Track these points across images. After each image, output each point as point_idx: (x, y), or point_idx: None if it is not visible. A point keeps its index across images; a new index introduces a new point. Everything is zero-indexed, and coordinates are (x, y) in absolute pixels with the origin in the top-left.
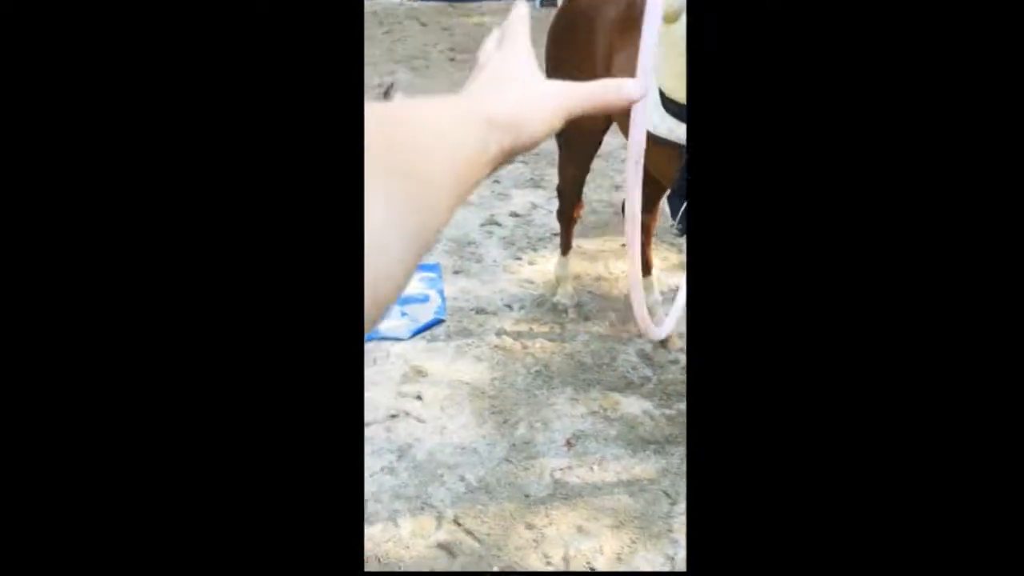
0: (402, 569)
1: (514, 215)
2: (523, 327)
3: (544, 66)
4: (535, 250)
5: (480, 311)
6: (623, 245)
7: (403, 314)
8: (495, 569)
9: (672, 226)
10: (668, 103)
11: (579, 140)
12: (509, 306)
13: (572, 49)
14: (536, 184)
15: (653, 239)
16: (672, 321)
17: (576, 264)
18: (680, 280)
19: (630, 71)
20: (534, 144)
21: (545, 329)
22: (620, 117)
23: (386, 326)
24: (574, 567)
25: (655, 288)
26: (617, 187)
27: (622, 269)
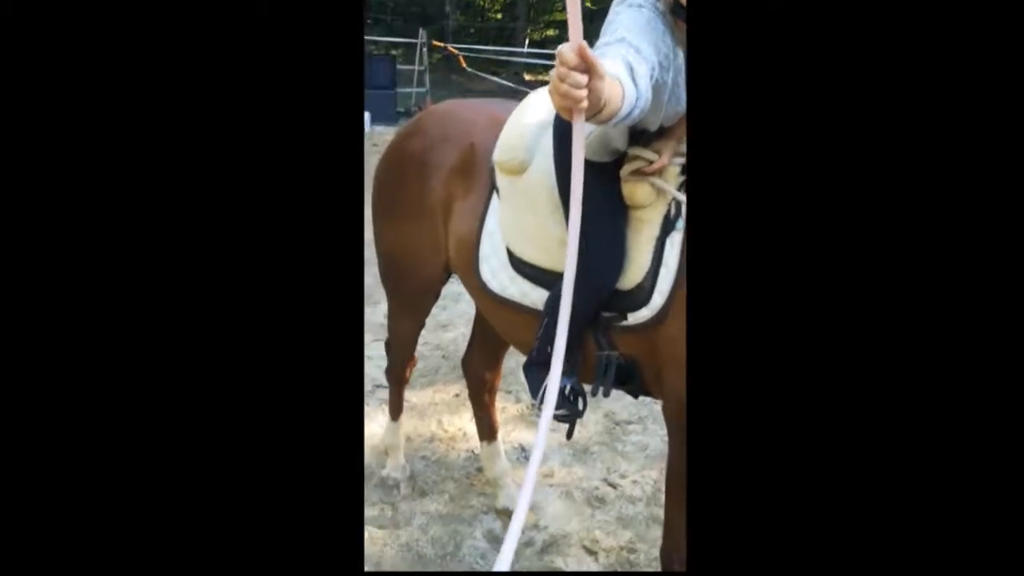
0: None
1: None
2: None
3: (372, 211)
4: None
5: None
6: (456, 395)
7: None
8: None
9: (533, 405)
10: (519, 264)
11: (414, 288)
12: None
13: (403, 196)
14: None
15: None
16: (526, 498)
17: (404, 424)
18: (525, 435)
19: (472, 223)
20: None
21: (374, 513)
22: (461, 266)
23: None
24: None
25: (502, 454)
26: (443, 325)
27: (458, 426)
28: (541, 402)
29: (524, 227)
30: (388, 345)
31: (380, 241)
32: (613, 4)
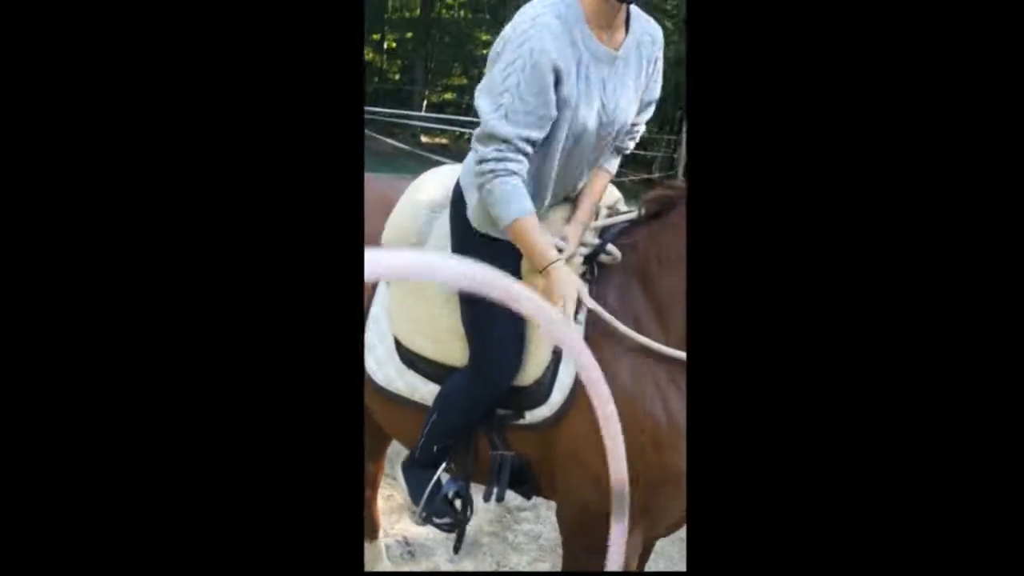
0: None
1: None
2: None
3: None
4: None
5: None
6: None
7: None
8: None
9: (415, 512)
10: (409, 356)
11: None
12: None
13: None
14: None
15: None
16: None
17: None
18: (411, 527)
19: None
20: None
21: None
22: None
23: None
24: None
25: (383, 554)
26: None
27: None
28: (423, 510)
29: (414, 315)
30: None
31: None
32: (501, 36)
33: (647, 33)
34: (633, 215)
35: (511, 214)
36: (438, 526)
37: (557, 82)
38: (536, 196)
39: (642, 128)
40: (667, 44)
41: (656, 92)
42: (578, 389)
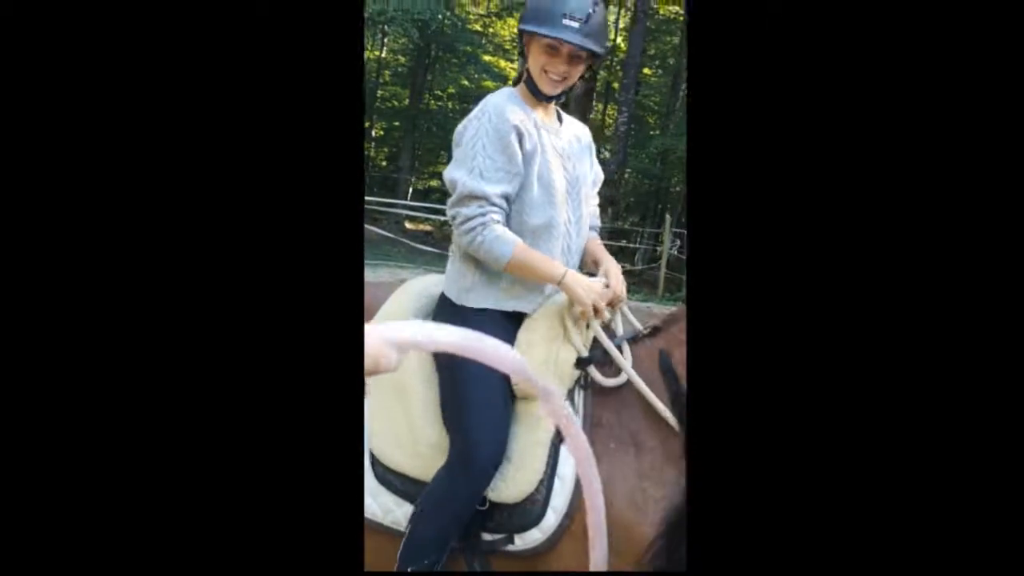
0: None
1: None
2: None
3: None
4: None
5: None
6: None
7: None
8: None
9: None
10: (386, 473)
11: None
12: None
13: None
14: None
15: None
16: None
17: None
18: None
19: None
20: None
21: None
22: None
23: None
24: None
25: None
26: None
27: None
28: None
29: (393, 428)
30: None
31: None
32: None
33: (578, 127)
34: (639, 326)
35: (507, 250)
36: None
37: (520, 140)
38: (563, 253)
39: (596, 204)
40: (650, 137)
41: (600, 175)
42: (574, 511)
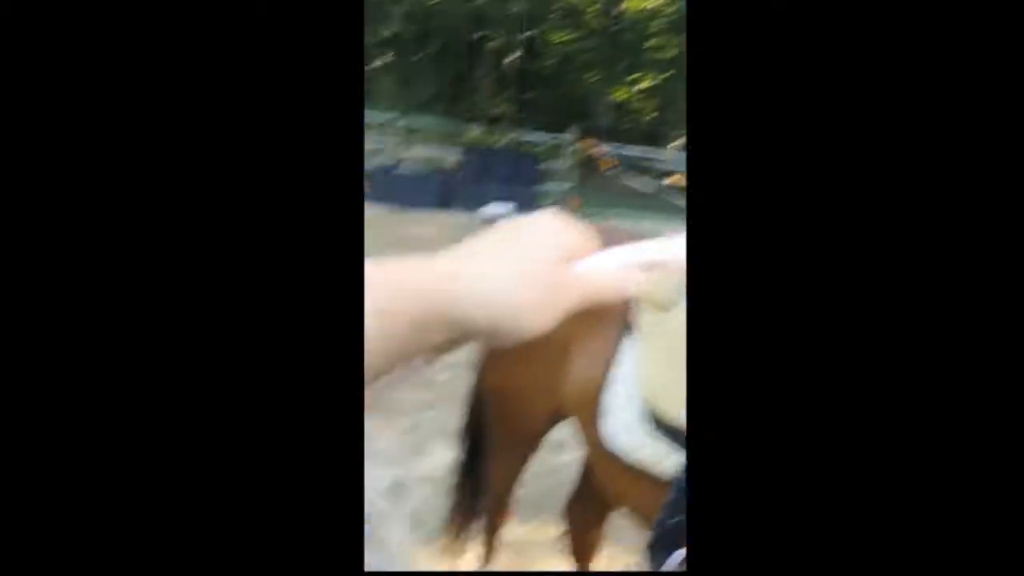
0: None
1: (429, 479)
2: None
3: None
4: (449, 533)
5: None
6: (561, 537)
7: None
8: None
9: None
10: (659, 423)
11: (516, 433)
12: None
13: None
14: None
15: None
16: None
17: (499, 560)
18: None
19: (597, 367)
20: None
21: None
22: (580, 415)
23: None
24: None
25: None
26: (559, 445)
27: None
28: None
29: (664, 374)
30: (482, 484)
31: (484, 371)
32: None
33: None
34: None
35: None
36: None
37: None
38: None
39: None
40: None
41: None
42: None
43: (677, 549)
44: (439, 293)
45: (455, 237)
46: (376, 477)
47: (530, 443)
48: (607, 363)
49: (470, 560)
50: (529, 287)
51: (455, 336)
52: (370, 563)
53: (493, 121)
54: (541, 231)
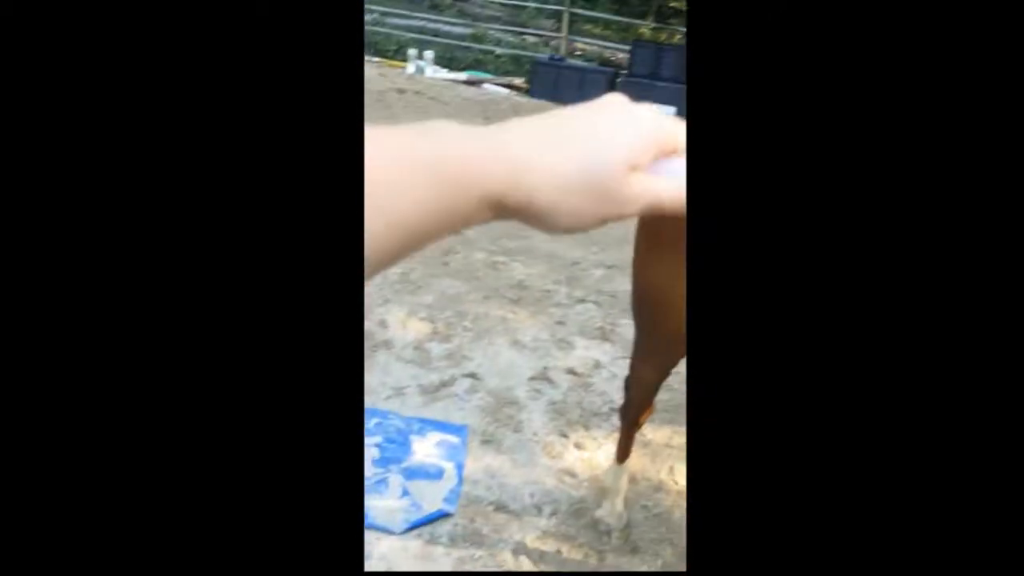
0: None
1: (572, 373)
2: (550, 544)
3: (636, 232)
4: (587, 428)
5: (501, 508)
6: None
7: (405, 492)
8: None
9: None
10: None
11: (667, 332)
12: (539, 507)
13: (671, 223)
14: (605, 336)
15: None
16: None
17: (634, 461)
18: None
19: None
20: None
21: (578, 556)
22: None
23: (379, 509)
24: None
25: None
26: None
27: None
28: None
29: None
30: (627, 382)
31: (639, 269)
32: None
33: None
34: None
35: None
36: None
37: None
38: None
39: None
40: None
41: None
42: None
43: None
44: (480, 167)
45: None
46: (520, 366)
47: (678, 348)
48: None
49: (609, 451)
50: (576, 187)
51: (486, 214)
52: (506, 444)
53: (666, 17)
54: (606, 127)
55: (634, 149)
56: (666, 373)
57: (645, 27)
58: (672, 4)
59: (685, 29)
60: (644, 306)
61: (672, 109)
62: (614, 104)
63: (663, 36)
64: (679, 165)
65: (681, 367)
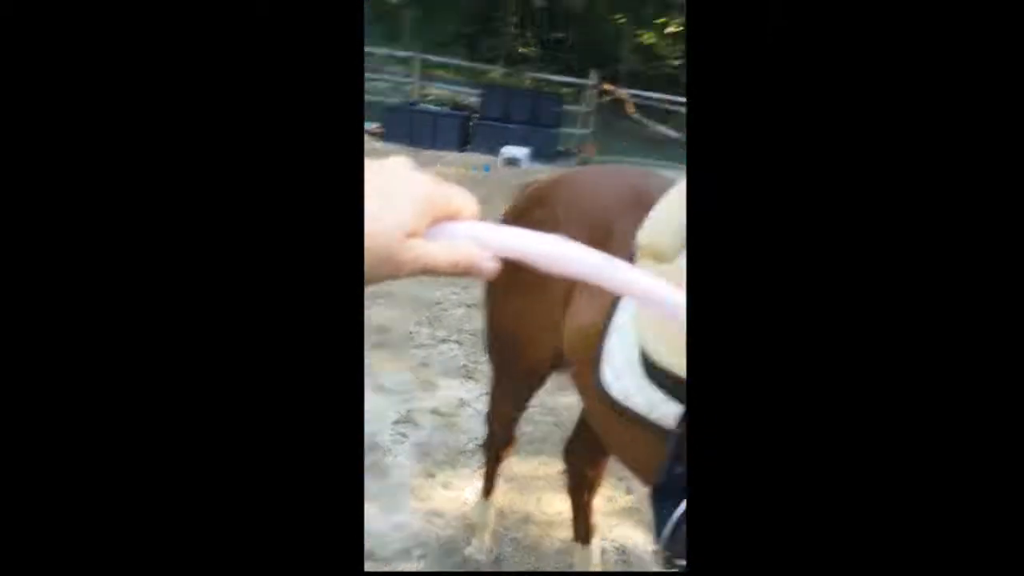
0: None
1: (436, 413)
2: None
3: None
4: (453, 467)
5: (369, 556)
6: (563, 473)
7: None
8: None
9: (657, 551)
10: (653, 370)
11: (519, 370)
12: (408, 551)
13: (520, 266)
14: (469, 374)
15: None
16: None
17: (501, 495)
18: (631, 533)
19: (597, 314)
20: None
21: None
22: (577, 360)
23: None
24: None
25: (597, 559)
26: (561, 388)
27: (558, 509)
28: (665, 548)
29: (663, 326)
30: (488, 417)
31: (491, 310)
32: None
33: None
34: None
35: None
36: (679, 572)
37: None
38: None
39: None
40: None
41: None
42: None
43: (680, 499)
44: None
45: (472, 178)
46: (385, 410)
47: (532, 382)
48: (608, 310)
49: (476, 487)
50: (372, 241)
51: None
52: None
53: (516, 62)
54: (384, 194)
55: (410, 215)
56: (523, 406)
57: (495, 71)
58: (521, 50)
59: (533, 74)
60: (497, 344)
61: (526, 150)
62: (395, 169)
63: (513, 80)
64: (456, 229)
65: (540, 399)
